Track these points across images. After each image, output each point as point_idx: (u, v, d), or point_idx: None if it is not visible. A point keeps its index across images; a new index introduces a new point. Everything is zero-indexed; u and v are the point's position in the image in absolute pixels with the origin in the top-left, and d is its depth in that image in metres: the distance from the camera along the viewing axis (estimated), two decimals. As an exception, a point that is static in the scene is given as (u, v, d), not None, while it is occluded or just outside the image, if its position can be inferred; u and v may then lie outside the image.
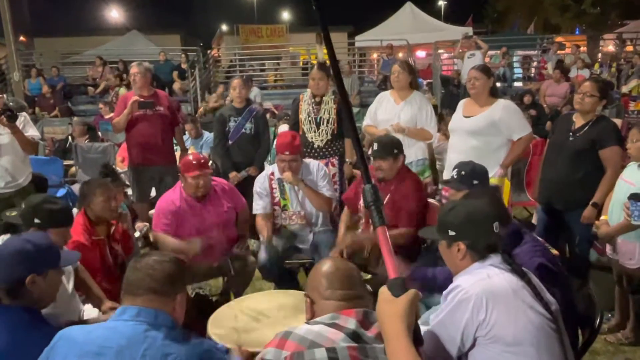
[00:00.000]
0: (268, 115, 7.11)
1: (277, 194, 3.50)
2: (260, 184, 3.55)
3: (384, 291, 1.22)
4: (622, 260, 3.07)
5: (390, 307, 1.19)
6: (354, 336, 1.39)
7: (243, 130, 4.50)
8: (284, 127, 5.67)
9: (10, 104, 4.05)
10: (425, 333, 1.72)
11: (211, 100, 9.76)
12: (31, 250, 1.81)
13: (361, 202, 3.38)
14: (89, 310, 2.51)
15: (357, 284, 1.56)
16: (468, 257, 1.76)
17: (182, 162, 3.31)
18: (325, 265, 1.59)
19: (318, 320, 1.45)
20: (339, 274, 1.54)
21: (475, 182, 2.68)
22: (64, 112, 10.85)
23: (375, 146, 3.28)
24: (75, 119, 7.85)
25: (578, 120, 3.30)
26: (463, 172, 2.76)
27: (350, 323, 1.41)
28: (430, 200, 3.76)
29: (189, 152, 5.59)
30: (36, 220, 2.34)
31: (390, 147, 3.22)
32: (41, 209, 2.36)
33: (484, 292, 1.62)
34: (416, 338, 1.18)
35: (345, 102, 1.39)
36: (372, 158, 3.44)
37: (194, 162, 3.24)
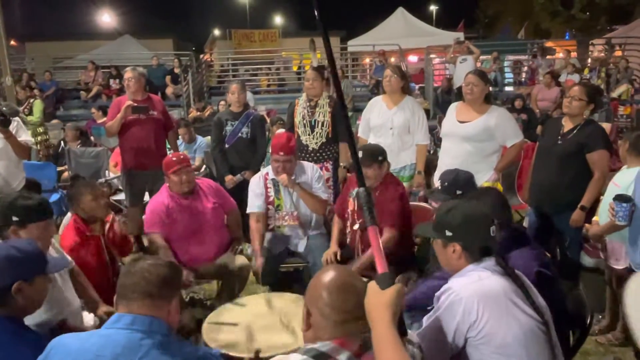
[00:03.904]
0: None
1: (271, 193, 3.52)
2: (255, 183, 3.57)
3: (372, 285, 1.29)
4: (610, 261, 3.12)
5: (377, 298, 1.26)
6: None
7: (240, 134, 4.52)
8: (279, 132, 5.68)
9: (4, 108, 4.03)
10: (418, 334, 1.75)
11: (192, 112, 9.81)
12: (17, 257, 1.77)
13: (349, 209, 3.42)
14: (84, 315, 2.51)
15: (359, 302, 1.40)
16: (463, 259, 1.78)
17: (163, 163, 3.37)
18: (328, 277, 1.47)
19: (307, 351, 1.38)
20: (342, 289, 1.43)
21: (458, 192, 2.69)
22: (47, 117, 10.74)
23: (360, 154, 3.29)
24: (68, 124, 7.81)
25: (567, 124, 3.35)
26: (446, 183, 2.77)
27: (343, 356, 1.36)
28: (423, 204, 3.80)
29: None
30: (14, 218, 2.26)
31: (375, 154, 3.23)
32: (16, 205, 2.29)
33: (475, 294, 1.65)
34: (400, 328, 1.25)
35: (342, 105, 1.46)
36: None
37: (174, 159, 3.35)
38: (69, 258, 2.56)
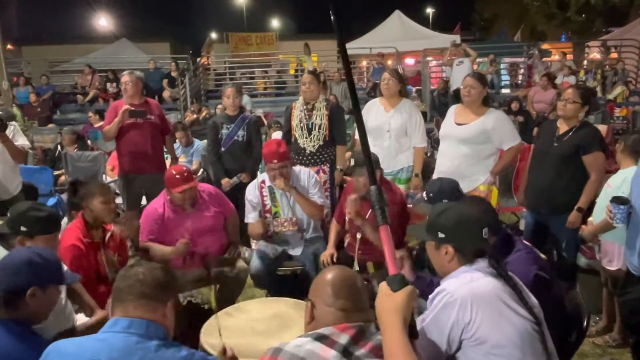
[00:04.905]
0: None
1: (267, 201, 3.52)
2: (251, 192, 3.57)
3: (383, 286, 1.29)
4: (604, 262, 3.14)
5: (388, 301, 1.26)
6: (345, 352, 1.38)
7: (235, 137, 4.53)
8: (277, 135, 5.70)
9: (0, 113, 4.03)
10: None
11: (189, 115, 9.82)
12: (39, 263, 1.83)
13: (347, 218, 3.42)
14: (81, 320, 2.50)
15: (361, 296, 1.54)
16: (455, 260, 1.79)
17: (167, 178, 3.28)
18: (332, 274, 1.56)
19: (310, 334, 1.44)
20: (345, 284, 1.52)
21: (444, 200, 2.70)
22: (43, 122, 10.79)
23: (352, 162, 3.32)
24: (65, 128, 7.82)
25: (562, 127, 3.36)
26: (431, 194, 2.78)
27: (343, 338, 1.40)
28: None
29: (180, 160, 5.61)
30: (22, 229, 2.32)
31: None
32: (27, 216, 2.34)
33: (468, 295, 1.65)
34: (412, 331, 1.26)
35: (357, 109, 1.48)
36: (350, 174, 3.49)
37: (178, 177, 3.21)
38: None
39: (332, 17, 1.35)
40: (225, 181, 4.48)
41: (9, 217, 2.40)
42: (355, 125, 4.78)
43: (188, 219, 3.30)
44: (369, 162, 1.45)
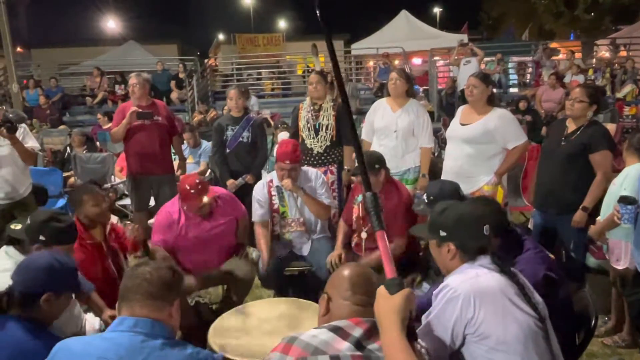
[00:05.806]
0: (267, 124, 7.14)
1: (275, 201, 3.53)
2: (259, 191, 3.58)
3: (381, 289, 1.32)
4: (612, 261, 3.12)
5: (386, 303, 1.29)
6: (358, 345, 1.42)
7: (240, 139, 4.53)
8: (283, 135, 5.71)
9: (10, 115, 4.06)
10: (417, 332, 1.76)
11: (196, 116, 9.86)
12: (58, 270, 1.89)
13: (354, 216, 3.42)
14: (90, 319, 2.53)
15: (375, 291, 1.58)
16: (458, 258, 1.81)
17: (181, 191, 3.27)
18: (350, 269, 1.62)
19: (325, 326, 1.48)
20: (361, 279, 1.57)
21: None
22: (55, 123, 10.90)
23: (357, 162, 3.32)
24: (74, 129, 7.89)
25: (571, 126, 3.34)
26: (432, 197, 2.78)
27: (357, 332, 1.44)
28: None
29: (187, 161, 5.63)
30: (41, 237, 2.37)
31: (372, 162, 3.23)
32: (47, 226, 2.39)
33: (472, 291, 1.67)
34: (411, 332, 1.28)
35: (348, 110, 1.49)
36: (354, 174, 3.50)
37: (192, 192, 3.19)
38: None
39: (317, 14, 1.37)
40: (230, 182, 4.49)
41: (29, 225, 2.44)
42: (362, 125, 4.78)
43: (202, 226, 3.32)
44: (363, 168, 1.47)
